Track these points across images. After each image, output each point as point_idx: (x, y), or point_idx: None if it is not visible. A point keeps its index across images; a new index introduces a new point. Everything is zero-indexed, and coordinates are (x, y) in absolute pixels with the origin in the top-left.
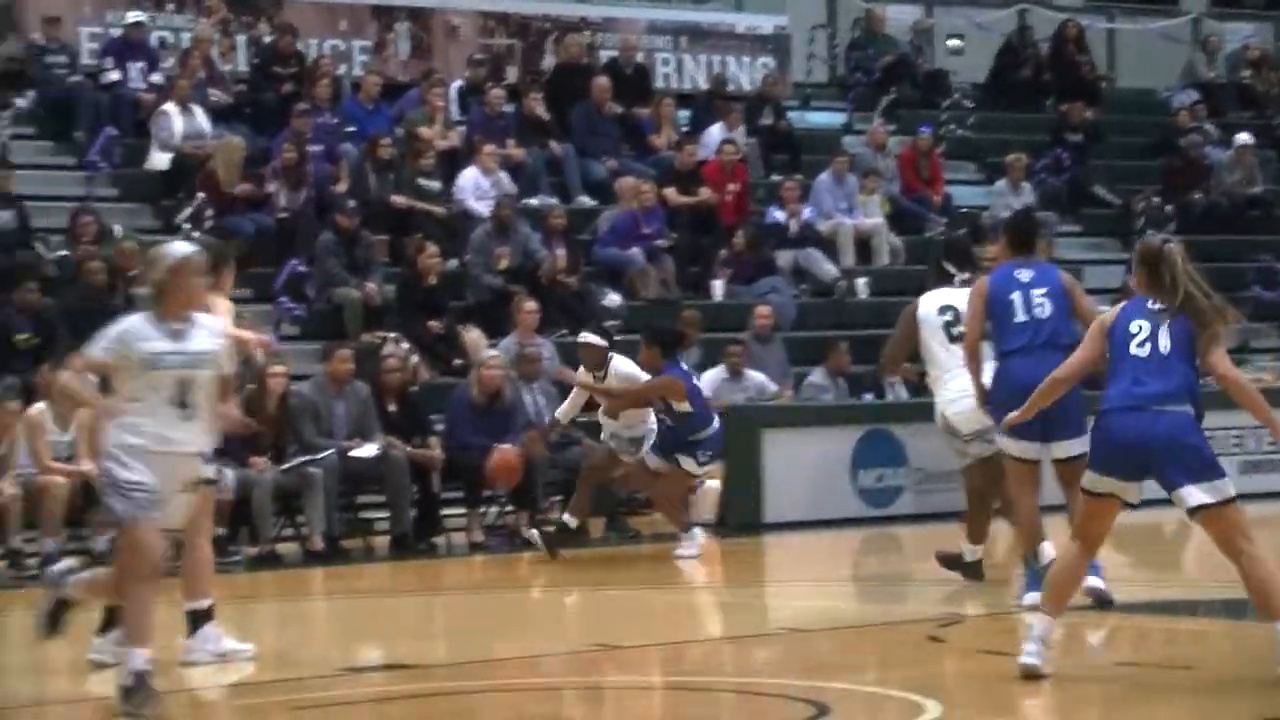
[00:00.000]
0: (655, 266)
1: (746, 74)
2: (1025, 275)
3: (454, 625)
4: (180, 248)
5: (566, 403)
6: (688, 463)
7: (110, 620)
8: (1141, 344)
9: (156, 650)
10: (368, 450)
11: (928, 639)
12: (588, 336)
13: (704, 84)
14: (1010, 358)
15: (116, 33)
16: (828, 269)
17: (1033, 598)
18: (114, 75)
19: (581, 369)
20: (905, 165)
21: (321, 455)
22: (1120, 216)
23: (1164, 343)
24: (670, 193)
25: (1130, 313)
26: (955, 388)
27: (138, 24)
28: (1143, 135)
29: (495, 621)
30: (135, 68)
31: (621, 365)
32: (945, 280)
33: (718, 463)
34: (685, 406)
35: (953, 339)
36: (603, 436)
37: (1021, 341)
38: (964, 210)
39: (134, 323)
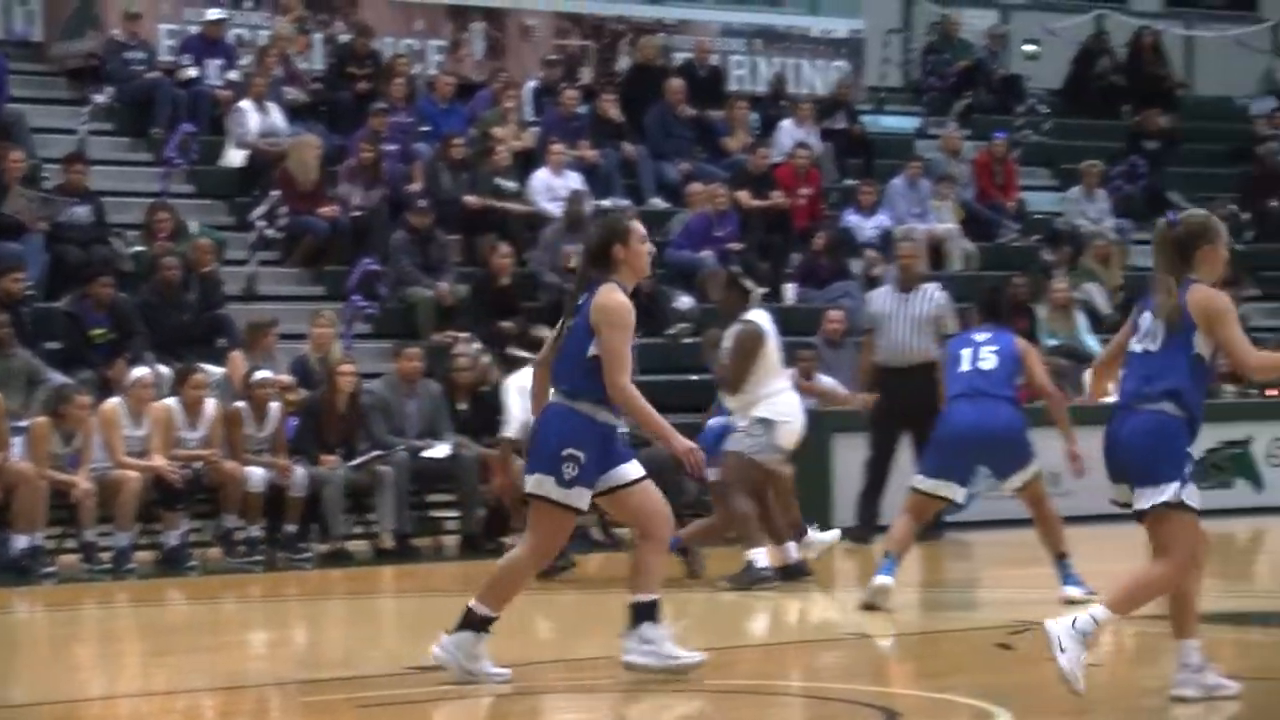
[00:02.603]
0: (727, 270)
1: (820, 77)
2: (981, 336)
3: (523, 625)
4: None
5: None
6: None
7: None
8: (1142, 339)
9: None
10: (439, 450)
11: (997, 646)
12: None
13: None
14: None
15: (195, 29)
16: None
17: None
18: (192, 72)
19: None
20: (979, 171)
21: (392, 453)
22: None
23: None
24: (743, 196)
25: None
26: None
27: (216, 21)
28: (1220, 143)
29: (564, 622)
30: (213, 65)
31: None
32: (745, 299)
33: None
34: None
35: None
36: None
37: (962, 388)
38: (1038, 216)
39: None
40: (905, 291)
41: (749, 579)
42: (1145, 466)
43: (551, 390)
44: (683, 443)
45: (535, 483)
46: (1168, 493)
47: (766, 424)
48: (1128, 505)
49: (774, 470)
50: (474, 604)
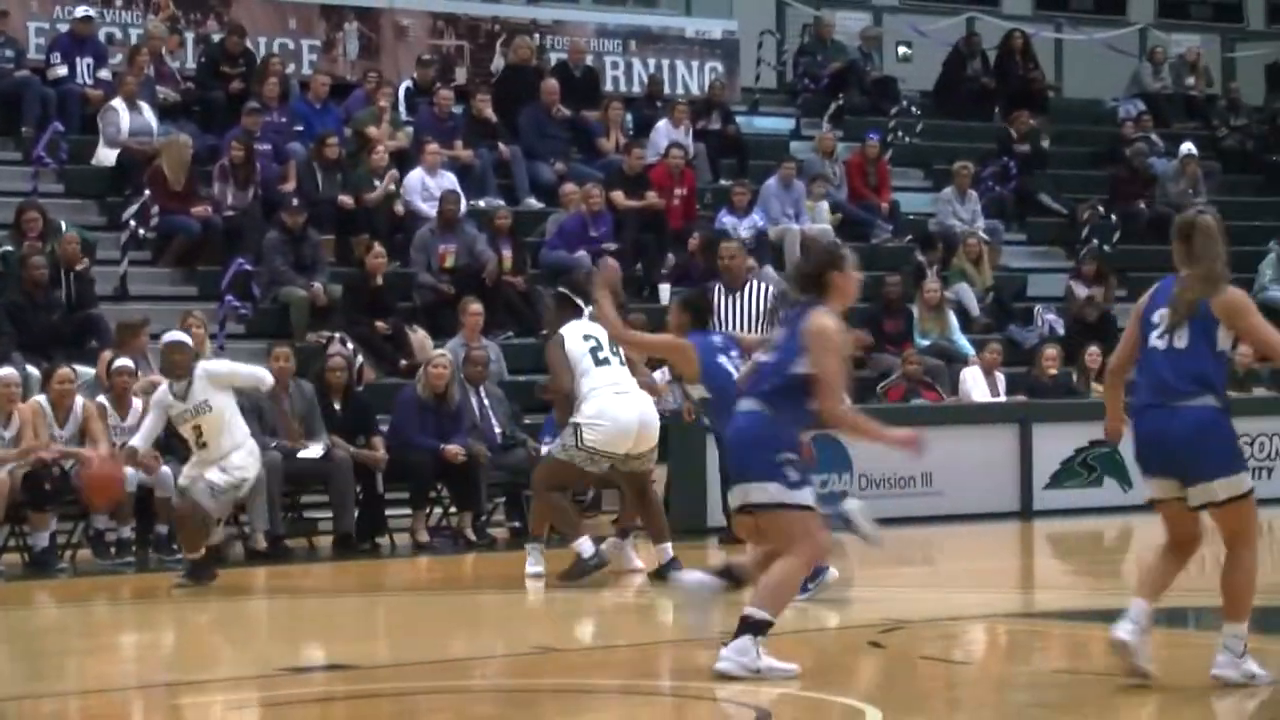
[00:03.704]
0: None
1: (695, 78)
2: (720, 340)
3: (396, 626)
4: None
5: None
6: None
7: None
8: (1161, 335)
9: None
10: (313, 450)
11: (869, 645)
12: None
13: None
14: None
15: (64, 28)
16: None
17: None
18: (61, 70)
19: None
20: (853, 172)
21: (264, 453)
22: (1066, 226)
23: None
24: (618, 196)
25: (1157, 299)
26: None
27: (86, 19)
28: (1089, 145)
29: (437, 623)
30: (83, 63)
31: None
32: (577, 313)
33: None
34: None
35: (598, 362)
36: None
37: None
38: (911, 217)
39: None
40: (734, 290)
41: (579, 570)
42: (1217, 461)
43: (743, 399)
44: (897, 434)
45: (760, 491)
46: (1246, 483)
47: (575, 426)
48: (1172, 500)
49: (586, 470)
50: (750, 610)
